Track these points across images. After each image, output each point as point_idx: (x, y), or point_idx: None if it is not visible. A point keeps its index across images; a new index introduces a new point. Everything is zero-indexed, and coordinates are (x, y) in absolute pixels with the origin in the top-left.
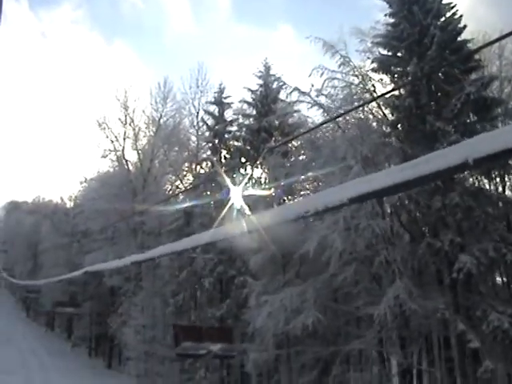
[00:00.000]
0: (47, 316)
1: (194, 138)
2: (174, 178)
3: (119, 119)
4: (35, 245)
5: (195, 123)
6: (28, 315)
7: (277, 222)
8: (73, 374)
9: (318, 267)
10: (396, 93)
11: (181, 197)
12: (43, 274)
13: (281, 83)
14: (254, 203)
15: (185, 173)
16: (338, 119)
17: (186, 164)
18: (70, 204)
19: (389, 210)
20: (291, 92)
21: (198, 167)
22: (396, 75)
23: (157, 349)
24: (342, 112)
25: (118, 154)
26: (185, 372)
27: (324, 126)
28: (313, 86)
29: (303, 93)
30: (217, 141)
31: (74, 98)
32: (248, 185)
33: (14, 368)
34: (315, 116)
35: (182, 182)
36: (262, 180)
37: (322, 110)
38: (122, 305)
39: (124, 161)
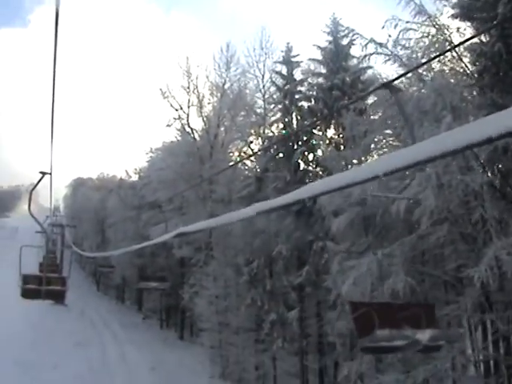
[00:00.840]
0: (117, 289)
1: (260, 102)
2: (241, 143)
3: (182, 87)
4: (102, 220)
5: (261, 86)
6: (98, 289)
7: (357, 181)
8: (145, 346)
9: (405, 228)
10: (477, 40)
11: (250, 162)
12: (111, 248)
13: (353, 38)
14: (330, 164)
15: (253, 138)
16: (419, 70)
17: (254, 129)
18: (135, 177)
19: (483, 164)
20: (366, 44)
21: (267, 130)
22: (479, 21)
23: (231, 319)
24: (422, 62)
25: (183, 122)
26: (260, 342)
27: (403, 79)
28: (390, 36)
29: (380, 44)
30: (287, 101)
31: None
32: (322, 146)
33: (89, 341)
34: (389, 71)
35: (250, 147)
36: (338, 140)
37: (397, 64)
38: (193, 276)
39: (189, 129)
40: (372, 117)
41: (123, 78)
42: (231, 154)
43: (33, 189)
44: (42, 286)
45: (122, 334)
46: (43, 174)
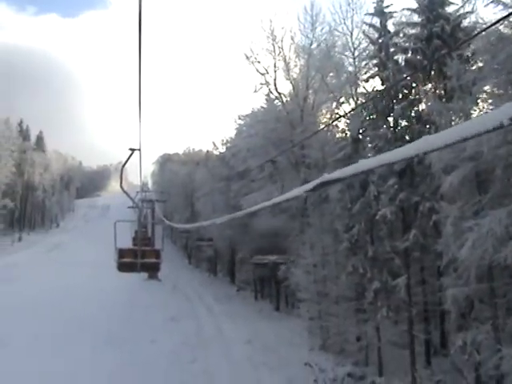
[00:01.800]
0: (209, 262)
1: (350, 60)
2: (333, 104)
3: (267, 50)
4: (191, 193)
5: (350, 44)
6: (190, 262)
7: (469, 135)
8: (241, 319)
9: None
10: None
11: (343, 124)
12: (201, 221)
13: None
14: (436, 118)
15: (344, 98)
16: None
17: (345, 88)
18: (222, 149)
19: None
20: None
21: (360, 89)
22: None
23: (330, 288)
24: None
25: (270, 87)
26: (363, 312)
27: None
28: None
29: None
30: (382, 54)
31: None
32: (424, 99)
33: (183, 314)
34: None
35: (342, 107)
36: (440, 93)
37: (501, 7)
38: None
39: (277, 93)
40: (479, 64)
41: (207, 48)
42: (322, 117)
43: (123, 165)
44: (138, 259)
45: (216, 306)
46: (132, 150)
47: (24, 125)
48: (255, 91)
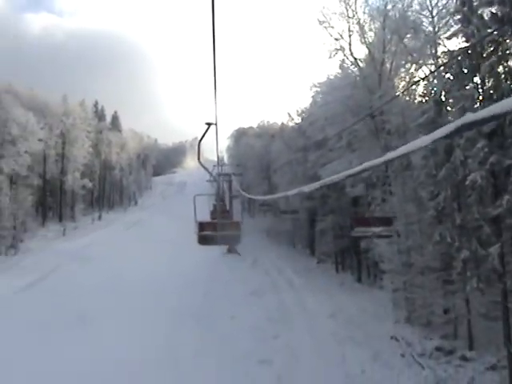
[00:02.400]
0: (288, 235)
1: (427, 20)
2: (412, 66)
3: (341, 14)
4: (267, 166)
5: (428, 2)
6: (268, 235)
7: None
8: (322, 292)
9: None
10: None
11: (424, 86)
12: (279, 193)
13: None
14: None
15: (423, 59)
16: None
17: (424, 49)
18: (298, 119)
19: None
20: None
21: (440, 48)
22: None
23: (415, 259)
24: None
25: (345, 52)
26: (451, 283)
27: None
28: None
29: None
30: (465, 9)
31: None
32: None
33: (264, 289)
34: None
35: (422, 69)
36: None
37: None
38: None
39: (353, 59)
40: None
41: (279, 16)
42: (401, 80)
43: (200, 139)
44: (217, 231)
45: (296, 279)
46: (209, 124)
47: (99, 106)
48: (330, 57)
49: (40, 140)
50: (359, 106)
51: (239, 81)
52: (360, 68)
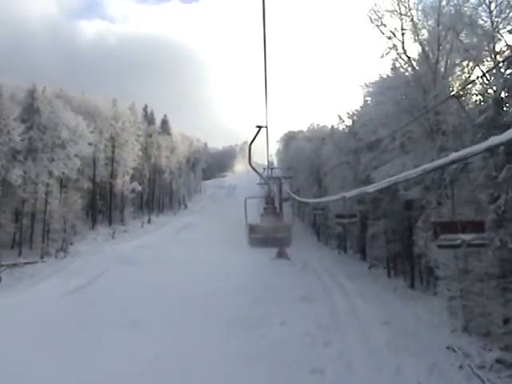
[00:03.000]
0: (338, 239)
1: (485, 14)
2: (468, 64)
3: (393, 11)
4: (317, 169)
5: None
6: (319, 239)
7: None
8: (375, 297)
9: None
10: None
11: (481, 85)
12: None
13: None
14: None
15: (480, 57)
16: None
17: (482, 46)
18: (348, 122)
19: None
20: None
21: (499, 45)
22: None
23: (473, 265)
24: None
25: (398, 51)
26: (511, 291)
27: None
28: None
29: None
30: None
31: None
32: None
33: (315, 294)
34: None
35: (479, 66)
36: None
37: None
38: (423, 219)
39: (406, 57)
40: None
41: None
42: (457, 79)
43: (251, 142)
44: (268, 234)
45: (348, 285)
46: (259, 127)
47: (148, 109)
48: (382, 57)
49: (90, 144)
50: (413, 106)
51: (289, 84)
52: (413, 67)
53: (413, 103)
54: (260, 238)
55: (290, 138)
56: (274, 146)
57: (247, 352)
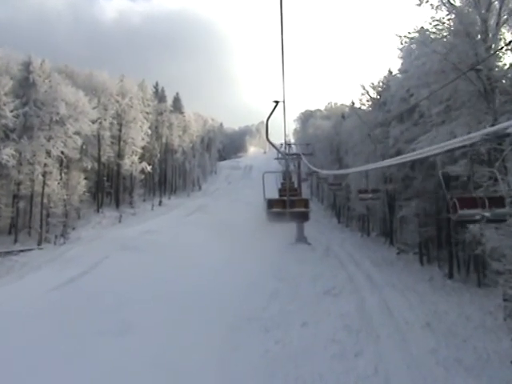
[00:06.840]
0: (360, 221)
1: None
2: None
3: None
4: (337, 147)
5: None
6: (339, 221)
7: None
8: (410, 291)
9: None
10: None
11: None
12: (350, 176)
13: None
14: None
15: None
16: None
17: None
18: (373, 93)
19: None
20: None
21: None
22: None
23: None
24: None
25: None
26: None
27: None
28: None
29: None
30: None
31: None
32: None
33: (339, 286)
34: None
35: None
36: None
37: None
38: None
39: (449, 4)
40: None
41: None
42: None
43: (268, 117)
44: (286, 208)
45: (376, 274)
46: (276, 102)
47: (159, 87)
48: (420, 4)
49: (93, 122)
50: (462, 60)
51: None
52: (460, 14)
53: (462, 57)
54: (278, 212)
55: (307, 117)
56: (292, 126)
57: (261, 363)
